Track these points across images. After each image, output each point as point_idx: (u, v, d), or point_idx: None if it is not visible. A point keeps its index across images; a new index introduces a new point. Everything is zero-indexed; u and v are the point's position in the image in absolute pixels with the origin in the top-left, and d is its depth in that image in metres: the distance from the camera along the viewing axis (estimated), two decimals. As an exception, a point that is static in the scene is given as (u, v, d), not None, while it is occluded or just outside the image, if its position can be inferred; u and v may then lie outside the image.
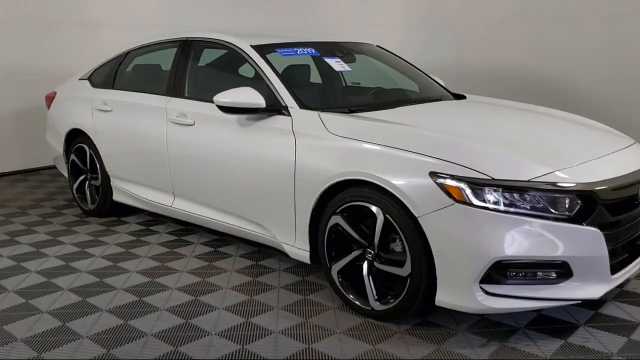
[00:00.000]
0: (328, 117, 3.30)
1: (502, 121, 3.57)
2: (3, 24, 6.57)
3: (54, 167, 6.90)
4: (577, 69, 6.68)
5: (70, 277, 3.68)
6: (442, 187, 2.72)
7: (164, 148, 4.11)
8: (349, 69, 3.99)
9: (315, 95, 3.96)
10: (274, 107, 3.49)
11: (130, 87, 4.67)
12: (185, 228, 4.66)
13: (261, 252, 4.05)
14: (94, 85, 4.97)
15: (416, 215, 2.77)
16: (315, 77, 4.39)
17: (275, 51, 3.89)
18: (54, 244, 4.31)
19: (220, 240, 4.34)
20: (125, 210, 4.98)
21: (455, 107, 3.93)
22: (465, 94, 4.30)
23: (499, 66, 7.17)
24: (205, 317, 3.12)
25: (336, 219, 3.13)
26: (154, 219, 4.94)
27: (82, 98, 4.96)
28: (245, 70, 4.05)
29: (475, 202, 2.67)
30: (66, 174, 5.31)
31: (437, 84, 4.46)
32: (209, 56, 4.35)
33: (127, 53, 4.78)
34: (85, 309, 3.23)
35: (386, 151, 2.94)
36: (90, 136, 4.79)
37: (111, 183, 4.77)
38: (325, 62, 4.48)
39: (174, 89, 4.18)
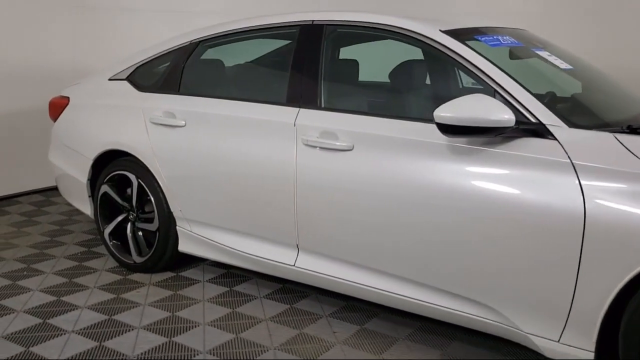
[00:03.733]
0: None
1: None
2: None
3: (33, 192, 5.35)
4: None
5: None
6: None
7: (290, 182, 2.77)
8: (571, 67, 2.78)
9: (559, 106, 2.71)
10: (528, 126, 2.25)
11: (212, 92, 3.26)
12: (282, 286, 3.33)
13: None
14: (140, 88, 3.51)
15: None
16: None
17: (476, 39, 2.63)
18: (119, 331, 2.87)
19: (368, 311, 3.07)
20: (179, 261, 3.60)
21: None
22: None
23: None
24: None
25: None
26: (225, 271, 3.57)
27: (124, 107, 3.50)
28: (423, 69, 2.78)
29: None
30: (88, 211, 3.81)
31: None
32: (348, 48, 3.03)
33: (198, 43, 3.36)
34: None
35: None
36: (144, 161, 3.35)
37: (177, 227, 3.34)
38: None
39: (301, 97, 2.84)
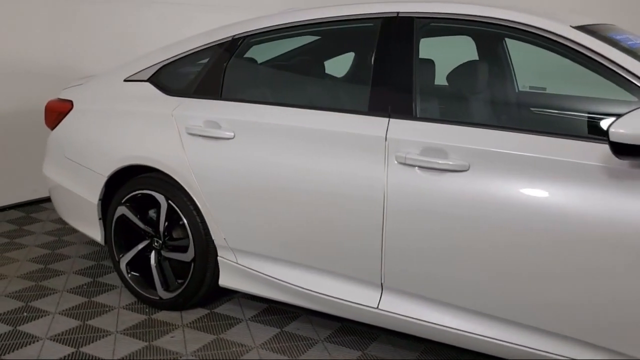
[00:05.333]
0: None
1: None
2: None
3: (9, 208, 4.68)
4: None
5: None
6: None
7: (377, 207, 2.29)
8: None
9: None
10: None
11: (267, 97, 2.74)
12: (341, 325, 2.83)
13: None
14: (168, 91, 2.95)
15: None
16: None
17: (611, 38, 2.20)
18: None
19: None
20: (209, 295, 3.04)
21: None
22: None
23: None
24: None
25: None
26: (266, 306, 3.06)
27: (149, 114, 2.92)
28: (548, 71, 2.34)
29: None
30: (97, 237, 3.21)
31: None
32: (438, 46, 2.55)
33: (242, 39, 2.81)
34: None
35: None
36: (177, 179, 2.80)
37: (219, 258, 2.80)
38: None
39: (390, 104, 2.34)
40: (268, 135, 2.56)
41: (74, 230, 4.16)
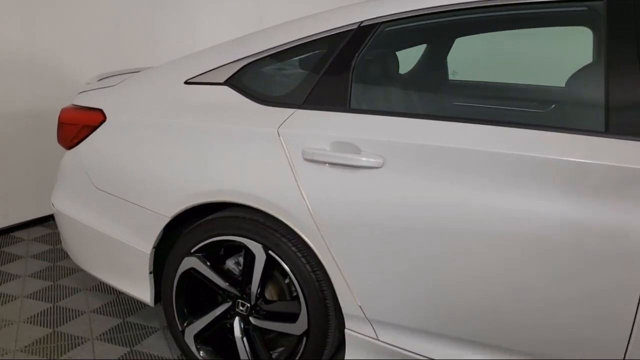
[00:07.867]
0: None
1: None
2: None
3: None
4: None
5: None
6: None
7: (632, 263, 1.58)
8: None
9: None
10: None
11: (429, 109, 1.96)
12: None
13: None
14: (260, 99, 2.12)
15: None
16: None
17: None
18: None
19: None
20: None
21: None
22: None
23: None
24: None
25: None
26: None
27: (236, 131, 2.08)
28: None
29: None
30: (145, 296, 2.35)
31: None
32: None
33: (375, 27, 2.02)
34: None
35: None
36: (288, 222, 1.99)
37: (347, 332, 2.02)
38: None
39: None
40: (438, 163, 1.80)
41: (71, 269, 3.26)
